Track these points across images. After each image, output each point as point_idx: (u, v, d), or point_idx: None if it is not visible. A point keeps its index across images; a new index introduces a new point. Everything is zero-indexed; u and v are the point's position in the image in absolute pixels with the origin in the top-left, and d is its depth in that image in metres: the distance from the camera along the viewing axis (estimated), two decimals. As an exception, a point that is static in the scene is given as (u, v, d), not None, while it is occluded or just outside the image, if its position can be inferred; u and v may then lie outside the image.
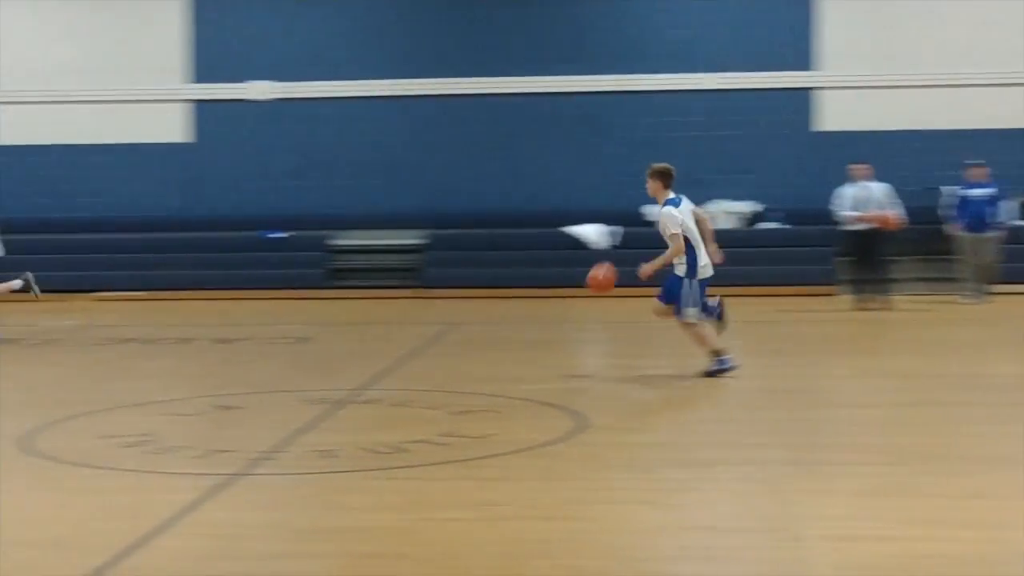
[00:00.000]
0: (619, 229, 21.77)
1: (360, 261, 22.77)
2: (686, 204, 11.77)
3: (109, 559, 6.09)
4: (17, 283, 16.14)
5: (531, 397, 10.93)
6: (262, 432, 9.42)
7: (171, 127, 23.55)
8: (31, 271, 17.90)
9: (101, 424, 9.87)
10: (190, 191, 23.60)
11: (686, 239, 11.60)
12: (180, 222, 23.18)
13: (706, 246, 11.82)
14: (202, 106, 23.57)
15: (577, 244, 21.79)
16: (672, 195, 11.81)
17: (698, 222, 11.88)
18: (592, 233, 21.88)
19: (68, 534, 6.66)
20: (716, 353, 11.76)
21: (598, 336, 16.43)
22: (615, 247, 21.37)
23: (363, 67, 23.19)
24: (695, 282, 11.64)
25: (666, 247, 11.66)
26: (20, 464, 8.45)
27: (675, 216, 11.60)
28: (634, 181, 22.43)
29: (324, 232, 22.76)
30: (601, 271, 12.06)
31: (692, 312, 11.67)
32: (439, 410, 10.29)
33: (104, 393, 11.69)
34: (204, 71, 23.50)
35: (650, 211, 22.31)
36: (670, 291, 11.75)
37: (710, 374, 11.68)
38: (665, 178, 11.81)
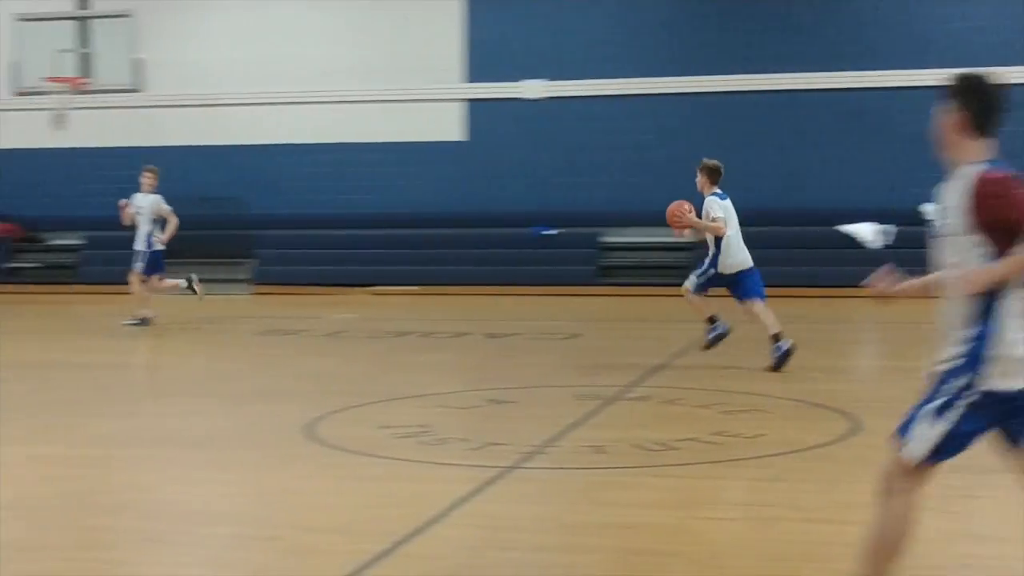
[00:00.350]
0: (892, 228, 21.19)
1: (630, 258, 22.84)
2: (728, 203, 12.71)
3: (387, 546, 6.28)
4: (182, 282, 17.04)
5: (802, 398, 10.80)
6: (534, 426, 9.56)
7: (448, 126, 24.06)
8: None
9: (380, 414, 10.18)
10: (463, 188, 24.07)
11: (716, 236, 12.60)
12: (454, 219, 23.67)
13: None
14: (475, 105, 24.01)
15: (850, 243, 21.32)
16: (718, 191, 12.74)
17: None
18: (866, 231, 21.36)
19: (348, 520, 6.89)
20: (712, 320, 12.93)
21: (870, 336, 16.09)
22: (888, 246, 20.85)
23: (634, 65, 23.25)
24: (714, 273, 12.65)
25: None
26: (305, 451, 8.79)
27: (718, 203, 12.59)
28: (911, 178, 21.97)
29: (594, 229, 22.91)
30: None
31: (691, 282, 12.74)
32: (709, 409, 10.25)
33: (382, 384, 12.04)
34: (478, 71, 23.93)
35: (928, 210, 21.74)
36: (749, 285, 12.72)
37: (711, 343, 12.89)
38: (713, 174, 12.80)
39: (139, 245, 17.39)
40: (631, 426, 9.73)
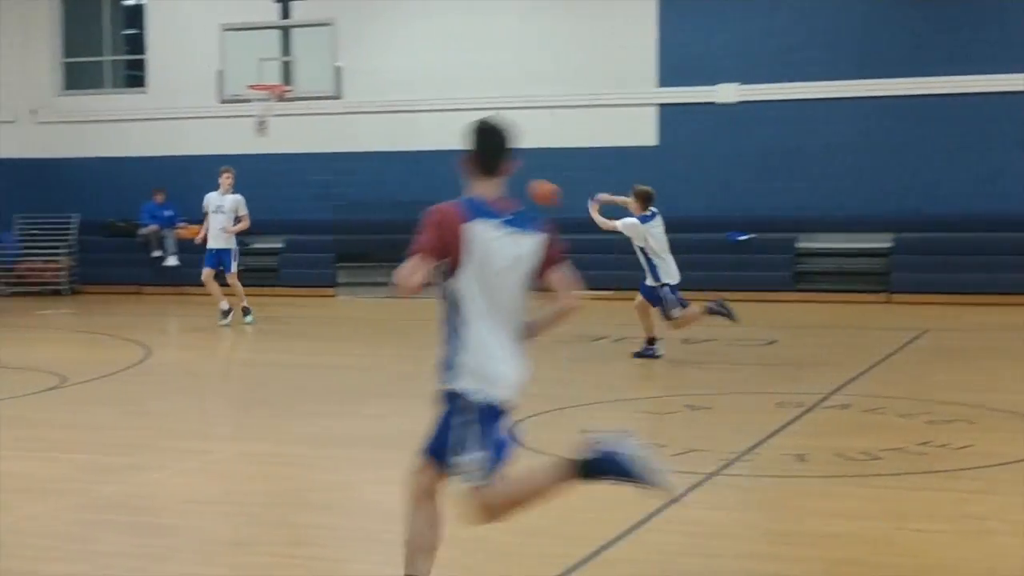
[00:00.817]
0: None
1: (826, 264, 22.48)
2: (659, 220, 13.96)
3: (592, 550, 6.31)
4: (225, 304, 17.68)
5: (1011, 408, 10.49)
6: (733, 433, 9.49)
7: (641, 130, 23.98)
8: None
9: (579, 418, 10.22)
10: (656, 193, 23.92)
11: (648, 251, 13.83)
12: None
13: None
14: (667, 109, 23.89)
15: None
16: (648, 212, 13.91)
17: None
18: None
19: (551, 524, 6.91)
20: (651, 341, 13.99)
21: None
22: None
23: (828, 68, 22.84)
24: (666, 288, 13.76)
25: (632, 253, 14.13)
26: (507, 454, 8.85)
27: (633, 224, 13.84)
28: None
29: (790, 234, 22.62)
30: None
31: (677, 312, 13.71)
32: (913, 418, 10.04)
33: (579, 389, 12.07)
34: (670, 75, 23.81)
35: None
36: (647, 295, 13.97)
37: (639, 355, 13.94)
38: (644, 200, 14.01)
39: (231, 243, 18.00)
40: (832, 434, 9.59)
